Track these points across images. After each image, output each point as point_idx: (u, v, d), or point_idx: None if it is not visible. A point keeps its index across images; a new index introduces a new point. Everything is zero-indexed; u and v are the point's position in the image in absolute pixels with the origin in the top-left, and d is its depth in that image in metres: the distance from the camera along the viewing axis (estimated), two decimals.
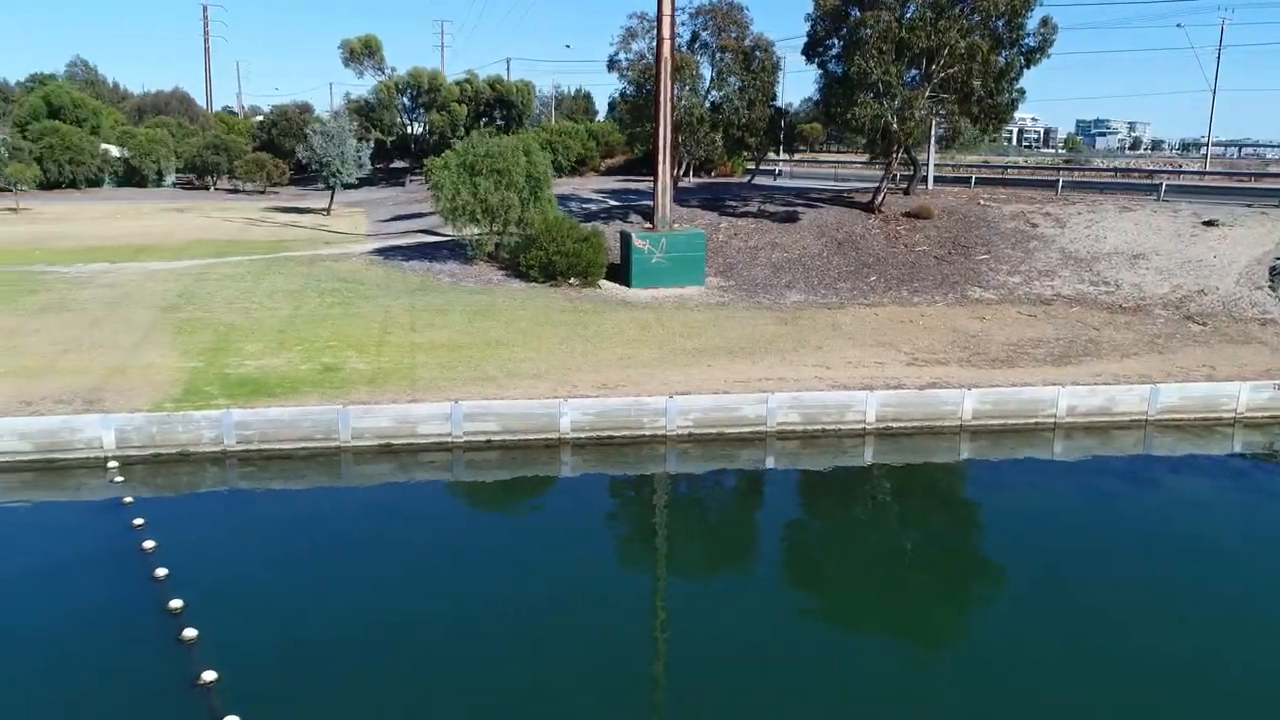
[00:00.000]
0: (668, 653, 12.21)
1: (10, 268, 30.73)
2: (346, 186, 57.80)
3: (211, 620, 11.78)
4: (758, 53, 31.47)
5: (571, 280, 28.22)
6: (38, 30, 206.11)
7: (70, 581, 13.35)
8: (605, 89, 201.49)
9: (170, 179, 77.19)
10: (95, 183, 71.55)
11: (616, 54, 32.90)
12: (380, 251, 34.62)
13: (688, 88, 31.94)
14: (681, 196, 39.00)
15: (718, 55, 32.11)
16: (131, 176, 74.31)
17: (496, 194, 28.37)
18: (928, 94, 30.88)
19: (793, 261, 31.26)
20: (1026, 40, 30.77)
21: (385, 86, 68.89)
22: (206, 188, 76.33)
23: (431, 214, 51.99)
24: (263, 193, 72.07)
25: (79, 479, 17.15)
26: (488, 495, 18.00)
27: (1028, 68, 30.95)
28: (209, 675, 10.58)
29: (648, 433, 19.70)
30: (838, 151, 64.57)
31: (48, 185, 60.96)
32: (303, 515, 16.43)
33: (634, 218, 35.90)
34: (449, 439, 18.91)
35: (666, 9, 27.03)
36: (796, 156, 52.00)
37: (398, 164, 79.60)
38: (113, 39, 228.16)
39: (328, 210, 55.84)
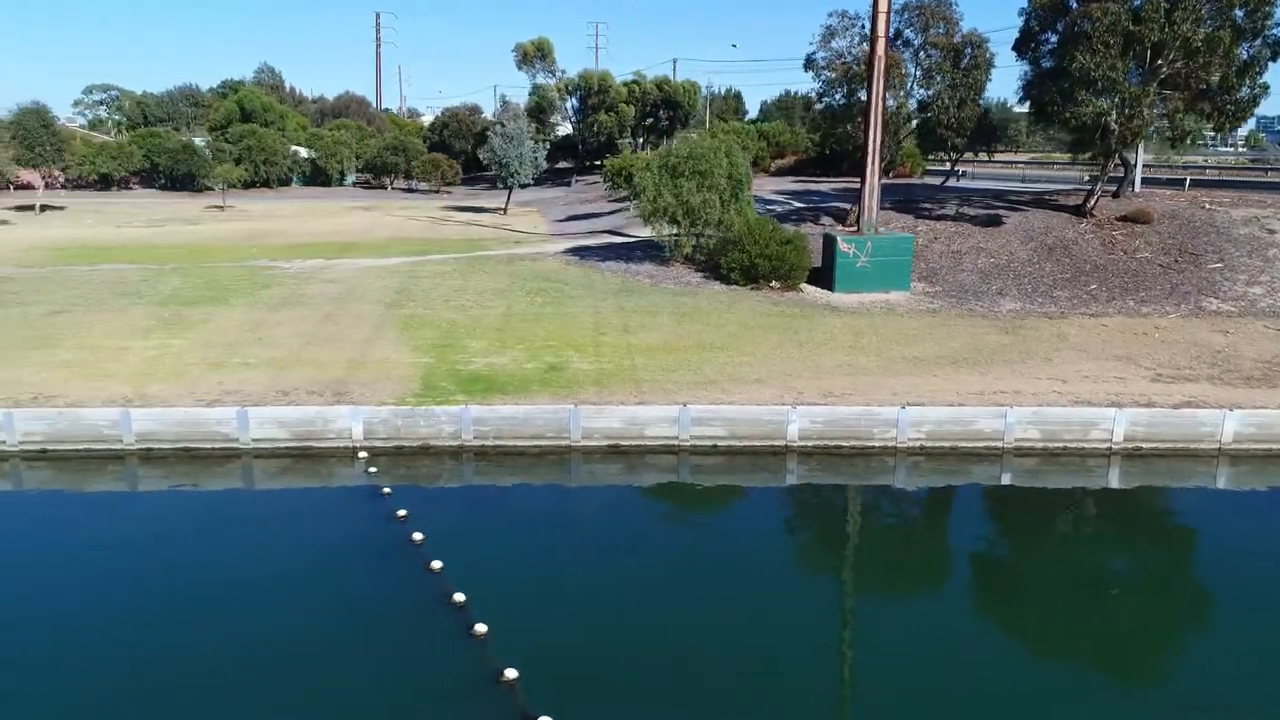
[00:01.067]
0: (854, 678, 11.62)
1: (239, 263, 32.76)
2: (521, 186, 59.17)
3: (497, 615, 11.94)
4: (969, 49, 30.19)
5: (773, 284, 27.77)
6: (227, 39, 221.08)
7: (353, 570, 13.87)
8: (757, 90, 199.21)
9: (350, 179, 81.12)
10: (284, 182, 75.90)
11: (814, 53, 32.26)
12: (573, 252, 35.10)
13: (893, 85, 30.89)
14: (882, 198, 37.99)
15: (923, 53, 30.98)
16: (317, 176, 78.48)
17: (698, 195, 28.24)
18: (1154, 90, 28.87)
19: (1000, 267, 29.83)
20: (1273, 30, 28.30)
21: (557, 88, 70.19)
22: (384, 187, 79.79)
23: (608, 214, 52.65)
24: (436, 192, 74.76)
25: (331, 467, 17.92)
26: (714, 500, 17.76)
27: (1274, 60, 28.47)
28: (510, 673, 10.71)
29: (877, 444, 19.06)
30: (1031, 152, 61.73)
31: (244, 184, 64.96)
32: (546, 512, 16.66)
33: (825, 220, 35.15)
34: (676, 442, 18.80)
35: (882, 5, 26.20)
36: (980, 157, 49.91)
37: (562, 164, 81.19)
38: (290, 46, 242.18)
39: (504, 210, 57.31)
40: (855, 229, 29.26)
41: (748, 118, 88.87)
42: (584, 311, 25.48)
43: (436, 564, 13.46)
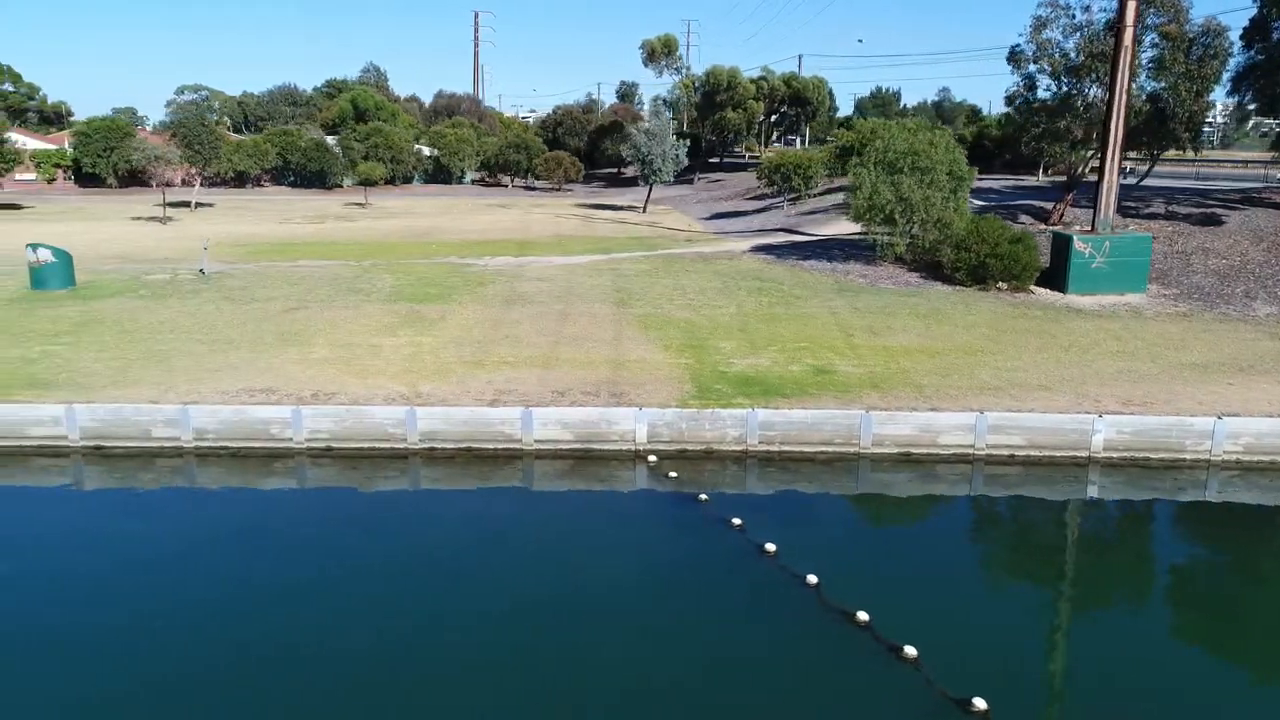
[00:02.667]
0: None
1: (431, 260, 32.69)
2: (662, 184, 58.54)
3: (914, 634, 11.13)
4: (1205, 38, 28.51)
5: (1000, 284, 26.56)
6: (330, 40, 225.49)
7: (724, 585, 13.09)
8: (850, 86, 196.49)
9: (469, 176, 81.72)
10: (407, 179, 76.74)
11: (1021, 45, 30.83)
12: (761, 250, 34.30)
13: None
14: (1054, 195, 36.39)
15: (1151, 41, 29.28)
16: (437, 174, 79.22)
17: (920, 192, 27.15)
18: None
19: (1236, 269, 28.10)
20: None
21: (684, 85, 69.54)
22: (504, 185, 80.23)
23: (755, 211, 51.75)
24: (558, 190, 74.80)
25: (616, 470, 17.35)
26: (1017, 512, 16.71)
27: None
28: (979, 703, 9.88)
29: (1187, 456, 17.80)
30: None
31: (369, 182, 65.55)
32: (869, 519, 15.90)
33: (1024, 218, 33.69)
34: (971, 451, 17.82)
35: None
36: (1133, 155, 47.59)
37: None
38: (389, 45, 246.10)
39: (643, 208, 56.81)
40: (1086, 228, 27.83)
41: (838, 114, 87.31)
42: (818, 312, 24.61)
43: (812, 578, 12.73)
